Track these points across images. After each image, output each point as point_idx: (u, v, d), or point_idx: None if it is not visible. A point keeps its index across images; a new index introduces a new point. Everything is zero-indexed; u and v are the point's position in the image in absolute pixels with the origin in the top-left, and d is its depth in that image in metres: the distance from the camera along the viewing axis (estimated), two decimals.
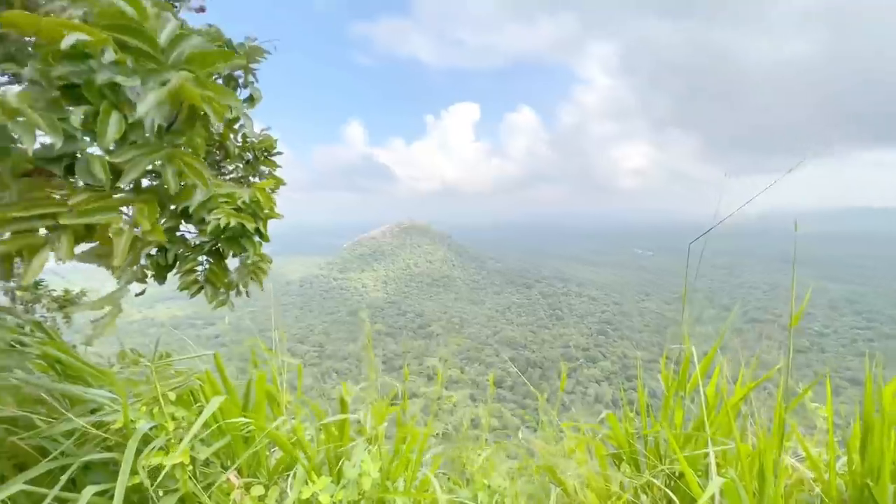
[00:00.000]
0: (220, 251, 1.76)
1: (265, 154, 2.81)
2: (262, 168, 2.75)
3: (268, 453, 1.86)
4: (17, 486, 1.20)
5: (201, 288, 1.71)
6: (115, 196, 1.15)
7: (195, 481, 1.50)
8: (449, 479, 2.21)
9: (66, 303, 5.58)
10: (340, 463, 1.70)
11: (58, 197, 1.10)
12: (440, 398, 2.51)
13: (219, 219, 1.55)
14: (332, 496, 1.45)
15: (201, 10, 4.05)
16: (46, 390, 1.45)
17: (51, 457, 1.37)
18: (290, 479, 1.60)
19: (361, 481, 1.49)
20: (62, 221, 1.05)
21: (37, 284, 5.69)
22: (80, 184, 1.14)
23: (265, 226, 1.80)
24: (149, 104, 1.06)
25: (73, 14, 1.12)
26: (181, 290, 1.68)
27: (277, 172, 2.69)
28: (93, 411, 1.57)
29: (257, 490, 1.48)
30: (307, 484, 1.54)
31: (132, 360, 1.95)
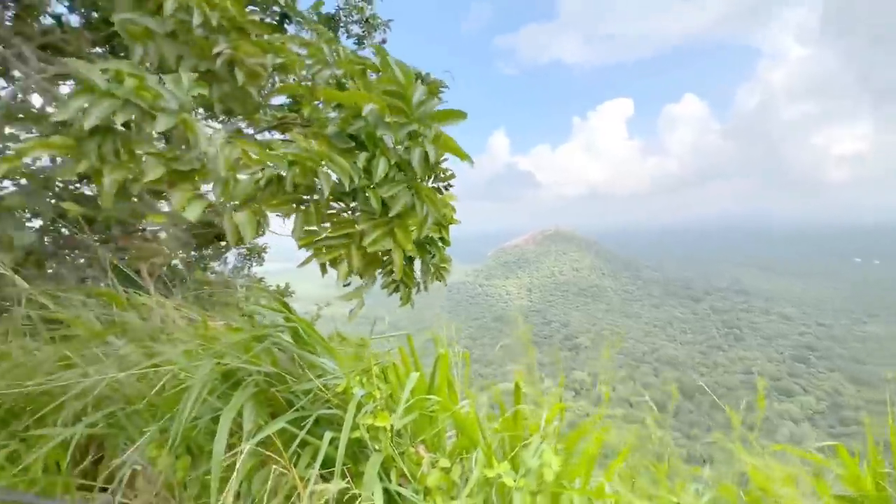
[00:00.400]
0: (410, 255, 2.02)
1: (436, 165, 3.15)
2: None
3: (447, 434, 2.04)
4: (279, 424, 1.58)
5: (398, 287, 1.98)
6: (386, 223, 1.57)
7: (393, 447, 1.73)
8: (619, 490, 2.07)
9: (280, 296, 7.18)
10: (515, 452, 1.76)
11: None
12: (588, 414, 2.38)
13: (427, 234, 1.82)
14: (514, 481, 1.51)
15: (383, 42, 4.83)
16: (295, 356, 1.86)
17: (296, 407, 1.75)
18: (470, 460, 1.72)
19: (543, 472, 1.52)
20: (365, 245, 1.51)
21: (260, 281, 7.48)
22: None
23: (447, 232, 2.01)
24: (418, 156, 1.51)
25: (324, 75, 1.57)
26: (383, 287, 1.97)
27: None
28: (318, 377, 1.96)
29: (444, 463, 1.64)
30: (487, 467, 1.63)
31: (339, 341, 2.38)
